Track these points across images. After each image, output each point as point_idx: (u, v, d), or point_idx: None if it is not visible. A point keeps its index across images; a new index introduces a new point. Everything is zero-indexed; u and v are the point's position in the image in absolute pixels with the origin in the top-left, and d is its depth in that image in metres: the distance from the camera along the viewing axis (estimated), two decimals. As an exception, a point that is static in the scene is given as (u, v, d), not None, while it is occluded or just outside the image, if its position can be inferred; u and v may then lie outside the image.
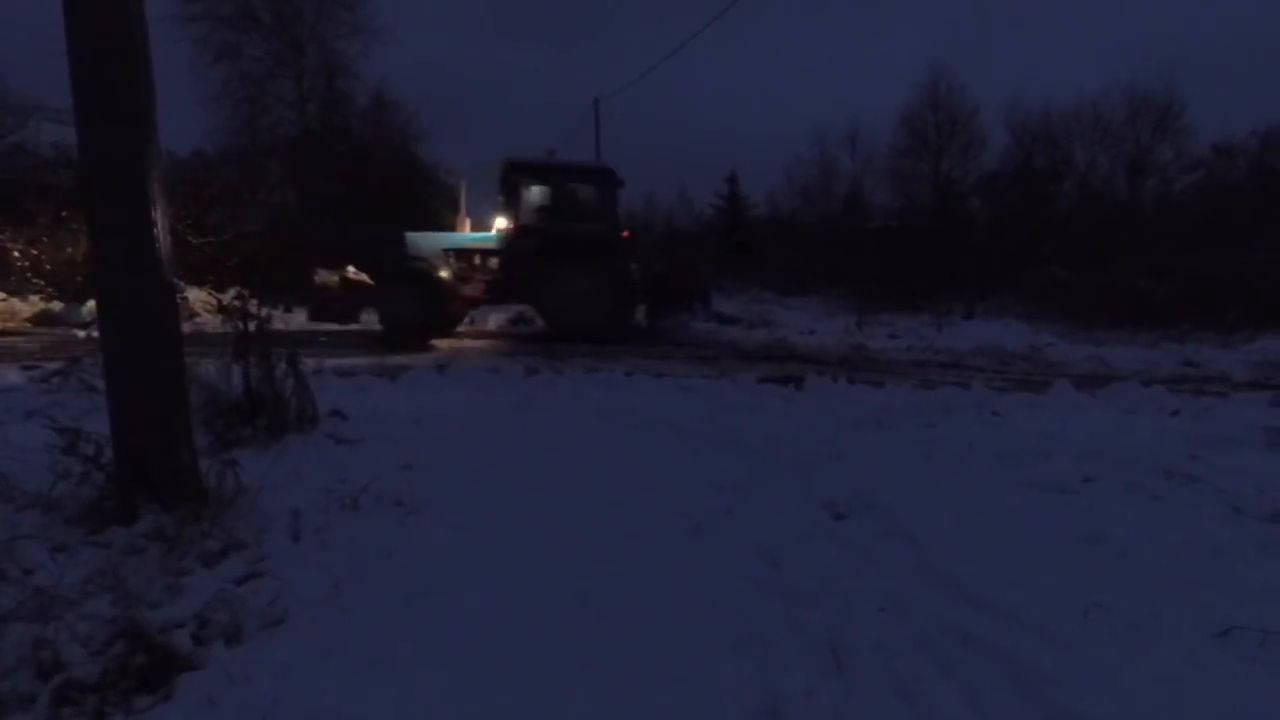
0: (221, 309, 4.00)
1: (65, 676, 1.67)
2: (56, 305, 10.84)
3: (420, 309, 9.30)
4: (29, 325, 10.33)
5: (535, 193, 10.38)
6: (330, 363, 5.95)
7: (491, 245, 10.24)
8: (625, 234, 10.43)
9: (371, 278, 9.64)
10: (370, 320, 9.77)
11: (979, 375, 7.15)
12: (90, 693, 1.66)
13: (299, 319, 10.31)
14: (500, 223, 10.51)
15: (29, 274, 11.23)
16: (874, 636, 2.18)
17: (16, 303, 10.95)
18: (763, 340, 10.25)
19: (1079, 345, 10.66)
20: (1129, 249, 16.55)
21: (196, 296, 10.91)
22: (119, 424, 2.37)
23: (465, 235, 10.58)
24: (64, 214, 10.80)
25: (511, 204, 10.37)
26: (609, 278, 9.71)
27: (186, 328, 3.91)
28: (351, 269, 9.66)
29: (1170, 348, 10.19)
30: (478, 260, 10.05)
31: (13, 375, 5.40)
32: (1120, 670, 1.99)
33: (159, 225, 2.46)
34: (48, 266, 11.17)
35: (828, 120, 52.91)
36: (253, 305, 4.12)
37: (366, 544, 2.58)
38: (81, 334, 8.92)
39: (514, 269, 9.83)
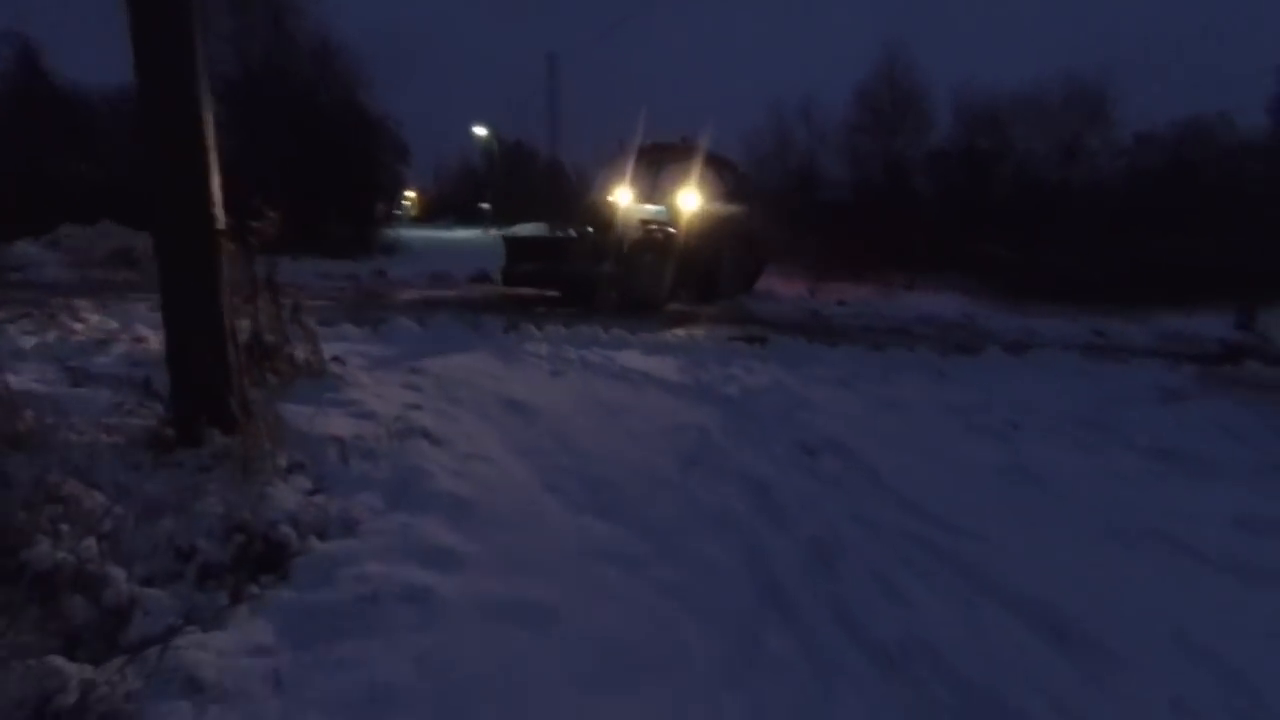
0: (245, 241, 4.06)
1: (202, 559, 2.00)
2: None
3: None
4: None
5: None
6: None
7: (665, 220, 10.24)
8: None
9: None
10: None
11: (923, 341, 7.80)
12: (225, 572, 2.00)
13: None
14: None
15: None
16: (849, 541, 2.68)
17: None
18: (722, 305, 10.74)
19: (1010, 317, 11.56)
20: (1058, 230, 17.67)
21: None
22: (177, 356, 2.62)
23: (655, 209, 10.43)
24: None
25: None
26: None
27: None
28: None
29: (1087, 321, 11.15)
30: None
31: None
32: (1032, 557, 2.56)
33: (211, 169, 2.70)
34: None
35: (784, 92, 53.25)
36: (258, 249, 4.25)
37: (407, 467, 2.91)
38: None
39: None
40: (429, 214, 43.59)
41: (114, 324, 5.31)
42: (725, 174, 11.60)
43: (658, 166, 11.45)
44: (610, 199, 10.71)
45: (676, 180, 10.87)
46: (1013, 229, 17.21)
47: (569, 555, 2.38)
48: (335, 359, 4.66)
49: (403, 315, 6.63)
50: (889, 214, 17.65)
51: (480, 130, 38.45)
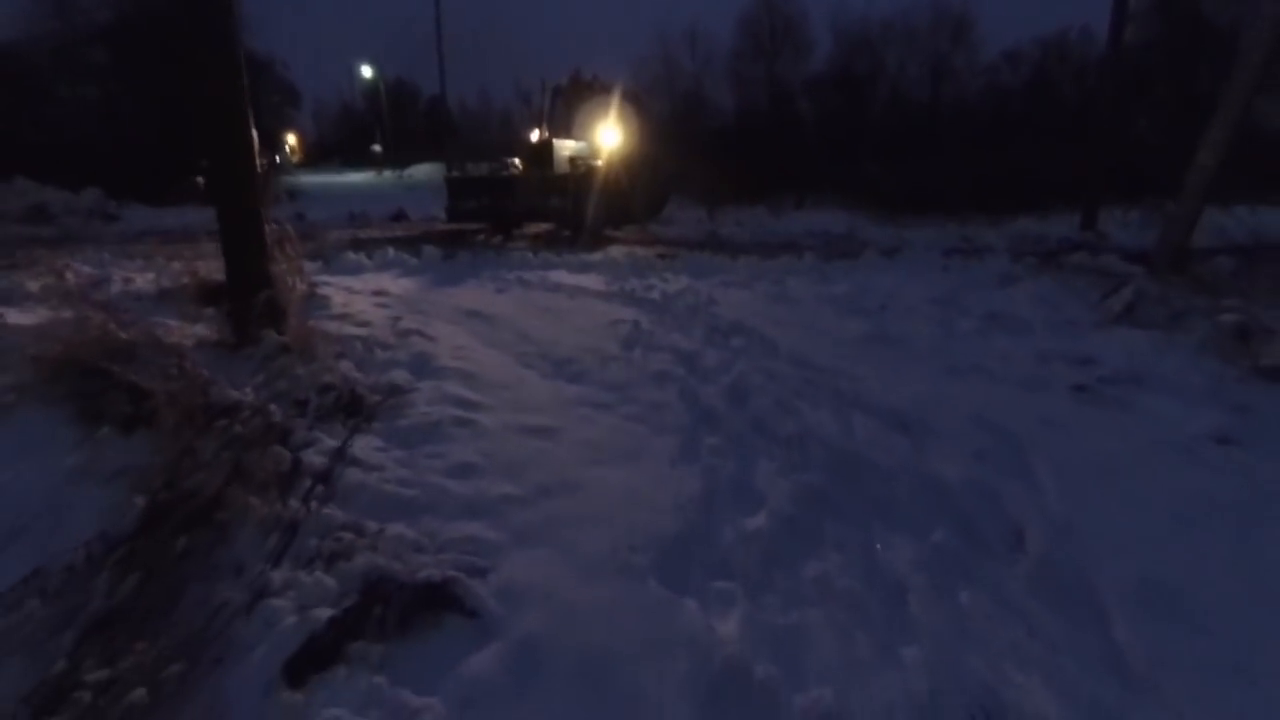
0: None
1: (315, 406, 2.58)
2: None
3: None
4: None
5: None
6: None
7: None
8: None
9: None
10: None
11: (810, 251, 8.80)
12: (330, 415, 2.59)
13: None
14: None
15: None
16: (755, 384, 3.53)
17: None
18: (632, 230, 11.41)
19: (887, 228, 12.89)
20: (929, 147, 19.26)
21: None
22: (235, 274, 3.10)
23: (576, 144, 10.98)
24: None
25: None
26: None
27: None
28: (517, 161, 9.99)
29: (955, 229, 12.63)
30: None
31: None
32: (887, 387, 3.51)
33: (248, 120, 3.16)
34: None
35: (668, 19, 52.64)
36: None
37: (417, 353, 3.50)
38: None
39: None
40: (310, 159, 41.15)
41: (90, 269, 5.43)
42: (633, 109, 12.11)
43: (574, 104, 11.79)
44: (541, 138, 11.07)
45: (593, 117, 11.31)
46: (888, 148, 18.64)
47: (554, 402, 3.10)
48: (312, 284, 5.06)
49: (347, 252, 6.92)
50: (775, 139, 18.67)
51: (366, 70, 36.25)
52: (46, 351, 2.83)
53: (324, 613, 1.52)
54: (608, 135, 10.93)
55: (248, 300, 3.07)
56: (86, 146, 13.13)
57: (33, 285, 4.83)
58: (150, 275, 5.29)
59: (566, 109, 11.92)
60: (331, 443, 2.37)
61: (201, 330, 3.36)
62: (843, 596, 1.91)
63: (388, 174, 30.19)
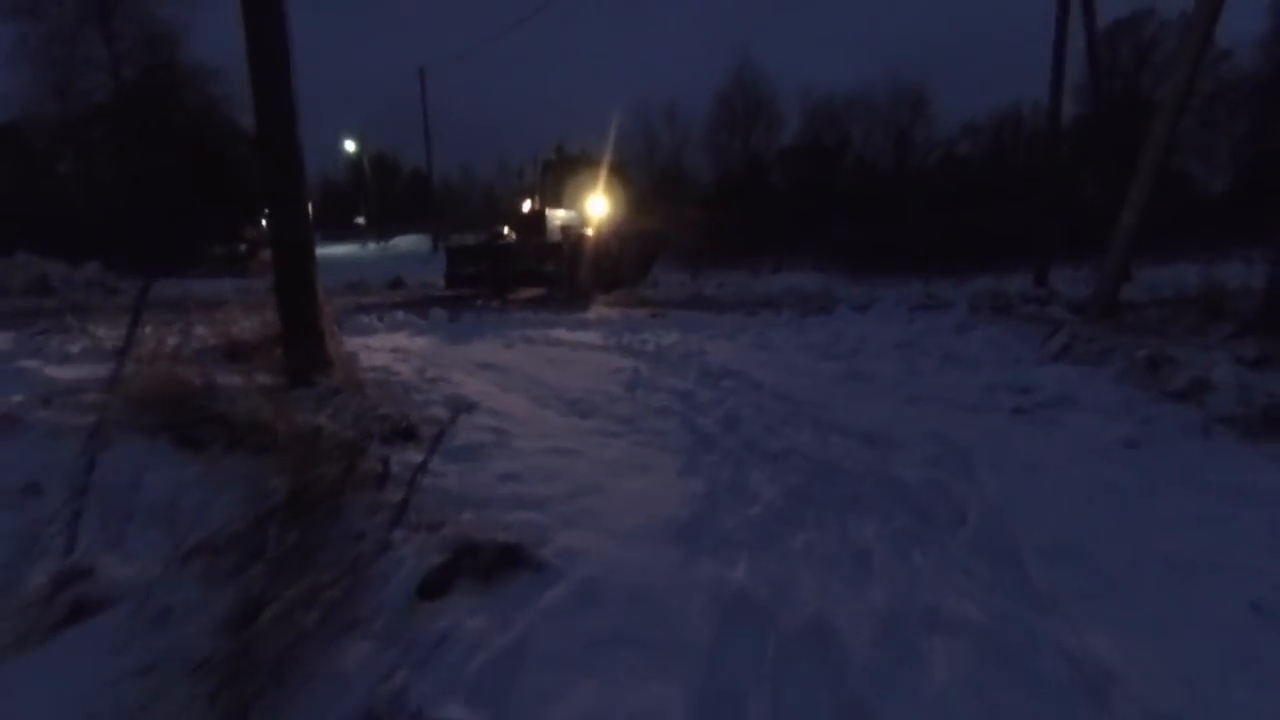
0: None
1: (377, 432, 3.10)
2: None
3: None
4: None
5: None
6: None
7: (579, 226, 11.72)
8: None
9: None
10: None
11: (788, 307, 9.55)
12: (391, 438, 3.10)
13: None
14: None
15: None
16: (745, 415, 4.10)
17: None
18: (621, 294, 12.17)
19: (857, 286, 13.78)
20: (894, 213, 20.53)
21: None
22: (290, 326, 3.65)
23: (567, 213, 11.88)
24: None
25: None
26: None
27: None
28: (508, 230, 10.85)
29: (919, 285, 13.54)
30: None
31: None
32: (858, 414, 4.10)
33: (305, 195, 3.76)
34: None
35: (645, 97, 55.50)
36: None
37: (448, 394, 4.03)
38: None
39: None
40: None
41: (117, 332, 5.92)
42: (619, 179, 13.08)
43: (563, 176, 12.73)
44: (532, 208, 11.92)
45: (581, 188, 12.24)
46: (857, 213, 19.88)
47: (573, 432, 3.65)
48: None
49: (358, 315, 7.51)
50: (751, 206, 19.87)
51: (350, 144, 37.68)
52: (137, 394, 3.36)
53: (434, 560, 2.03)
54: (596, 205, 11.82)
55: (301, 348, 3.62)
56: (86, 221, 13.78)
57: (73, 348, 5.32)
58: (176, 338, 5.81)
59: (556, 180, 12.84)
60: (402, 456, 2.89)
61: (258, 378, 3.88)
62: (822, 557, 2.44)
63: (372, 245, 31.06)
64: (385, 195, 41.08)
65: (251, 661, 1.53)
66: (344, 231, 36.14)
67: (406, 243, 30.99)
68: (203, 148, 16.36)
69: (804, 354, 6.11)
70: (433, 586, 1.93)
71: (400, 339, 6.40)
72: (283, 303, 3.68)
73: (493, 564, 2.12)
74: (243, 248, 15.64)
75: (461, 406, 3.76)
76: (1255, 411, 3.81)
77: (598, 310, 9.23)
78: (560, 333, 7.05)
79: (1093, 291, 7.08)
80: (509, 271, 10.44)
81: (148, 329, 6.34)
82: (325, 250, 27.40)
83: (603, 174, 12.11)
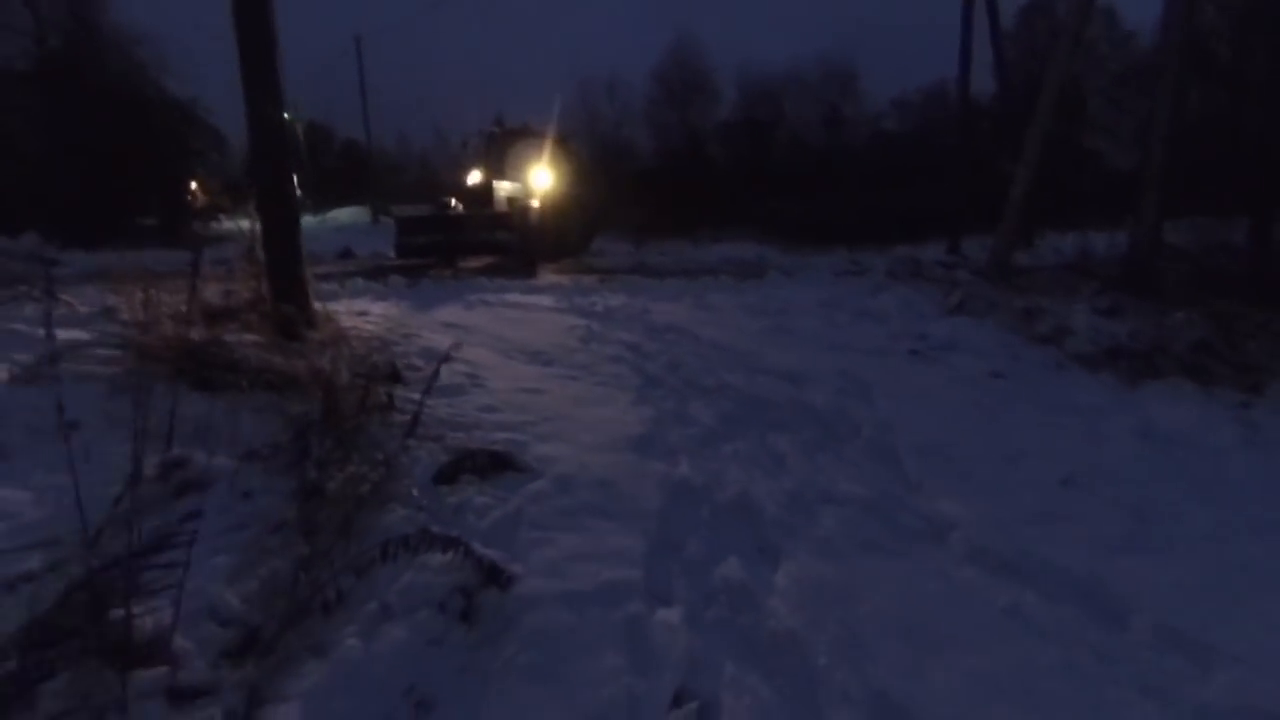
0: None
1: (367, 375, 3.56)
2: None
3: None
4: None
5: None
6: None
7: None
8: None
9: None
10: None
11: (725, 274, 10.23)
12: (381, 380, 3.56)
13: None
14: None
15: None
16: (686, 360, 4.72)
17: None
18: (566, 262, 12.60)
19: (790, 255, 14.61)
20: (825, 186, 21.49)
21: None
22: (279, 286, 4.04)
23: (512, 185, 12.07)
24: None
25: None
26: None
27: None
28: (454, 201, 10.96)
29: (847, 254, 14.47)
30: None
31: None
32: (782, 359, 4.78)
33: (290, 167, 4.13)
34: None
35: (587, 71, 54.99)
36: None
37: (422, 347, 4.50)
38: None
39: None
40: (215, 204, 40.30)
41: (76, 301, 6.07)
42: (563, 151, 13.42)
43: (507, 149, 12.98)
44: (479, 181, 12.15)
45: (526, 160, 12.53)
46: (790, 187, 20.74)
47: (538, 376, 4.20)
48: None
49: (318, 283, 7.76)
50: (691, 179, 20.48)
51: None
52: (145, 348, 3.73)
53: (442, 459, 2.58)
54: (541, 177, 12.17)
55: (289, 306, 4.02)
56: (20, 193, 13.28)
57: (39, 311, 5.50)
58: (142, 306, 6.04)
59: (500, 153, 13.09)
60: (396, 393, 3.38)
61: (247, 336, 4.27)
62: (746, 458, 3.09)
63: (308, 218, 30.28)
64: (316, 165, 39.86)
65: (320, 523, 2.06)
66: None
67: (344, 214, 30.32)
68: (131, 114, 15.82)
69: (738, 312, 6.78)
70: (445, 476, 2.48)
71: (364, 304, 6.73)
72: (272, 265, 4.06)
73: (487, 466, 2.67)
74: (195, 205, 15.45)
75: (445, 353, 4.24)
76: (1100, 349, 4.67)
77: (547, 277, 9.69)
78: (515, 297, 7.50)
79: (988, 256, 7.99)
80: (461, 241, 10.70)
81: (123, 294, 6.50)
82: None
83: (547, 146, 12.45)
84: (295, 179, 4.14)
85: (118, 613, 1.35)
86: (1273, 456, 3.05)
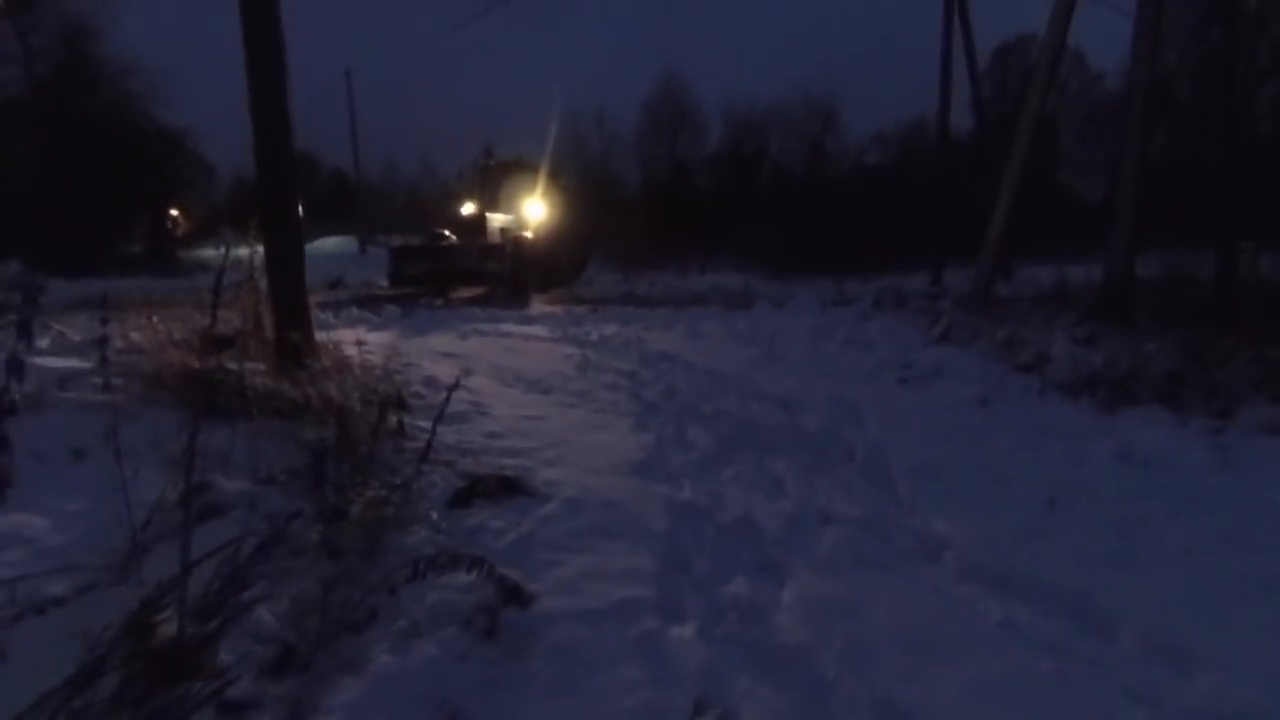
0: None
1: (377, 401, 3.63)
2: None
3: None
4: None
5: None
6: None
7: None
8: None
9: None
10: None
11: (714, 303, 10.44)
12: (387, 407, 3.64)
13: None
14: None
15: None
16: (681, 387, 4.84)
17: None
18: (558, 293, 12.78)
19: (776, 285, 14.88)
20: (809, 218, 21.94)
21: None
22: (282, 315, 4.11)
23: (505, 217, 12.23)
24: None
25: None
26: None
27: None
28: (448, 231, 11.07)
29: (831, 284, 14.75)
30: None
31: None
32: (774, 385, 4.91)
33: (297, 199, 4.23)
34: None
35: (575, 104, 55.84)
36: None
37: (423, 376, 4.58)
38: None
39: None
40: (197, 232, 40.12)
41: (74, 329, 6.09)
42: (554, 183, 13.66)
43: (500, 180, 13.20)
44: (472, 211, 12.33)
45: (518, 191, 12.75)
46: (775, 218, 21.16)
47: (538, 404, 4.29)
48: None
49: (313, 312, 7.83)
50: (678, 211, 20.85)
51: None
52: (148, 376, 3.79)
53: (456, 484, 2.65)
54: (534, 208, 12.40)
55: (292, 334, 4.10)
56: (5, 220, 13.24)
57: (41, 342, 5.50)
58: (140, 333, 6.07)
59: (493, 185, 13.32)
60: (404, 420, 3.46)
61: (247, 364, 4.32)
62: (746, 481, 3.19)
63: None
64: (305, 195, 39.94)
65: (345, 544, 2.13)
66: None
67: (331, 244, 30.36)
68: (121, 144, 15.89)
69: (729, 341, 6.93)
70: (459, 500, 2.55)
71: (360, 333, 6.79)
72: (276, 293, 4.14)
73: (497, 490, 2.75)
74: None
75: (455, 381, 4.32)
76: (1079, 377, 4.85)
77: (539, 307, 9.83)
78: (509, 326, 7.62)
79: (970, 287, 8.24)
80: (453, 271, 10.87)
81: (117, 322, 6.53)
82: (243, 252, 26.59)
83: (539, 179, 12.70)
84: (300, 209, 4.24)
85: (167, 630, 1.42)
86: (1244, 477, 3.20)
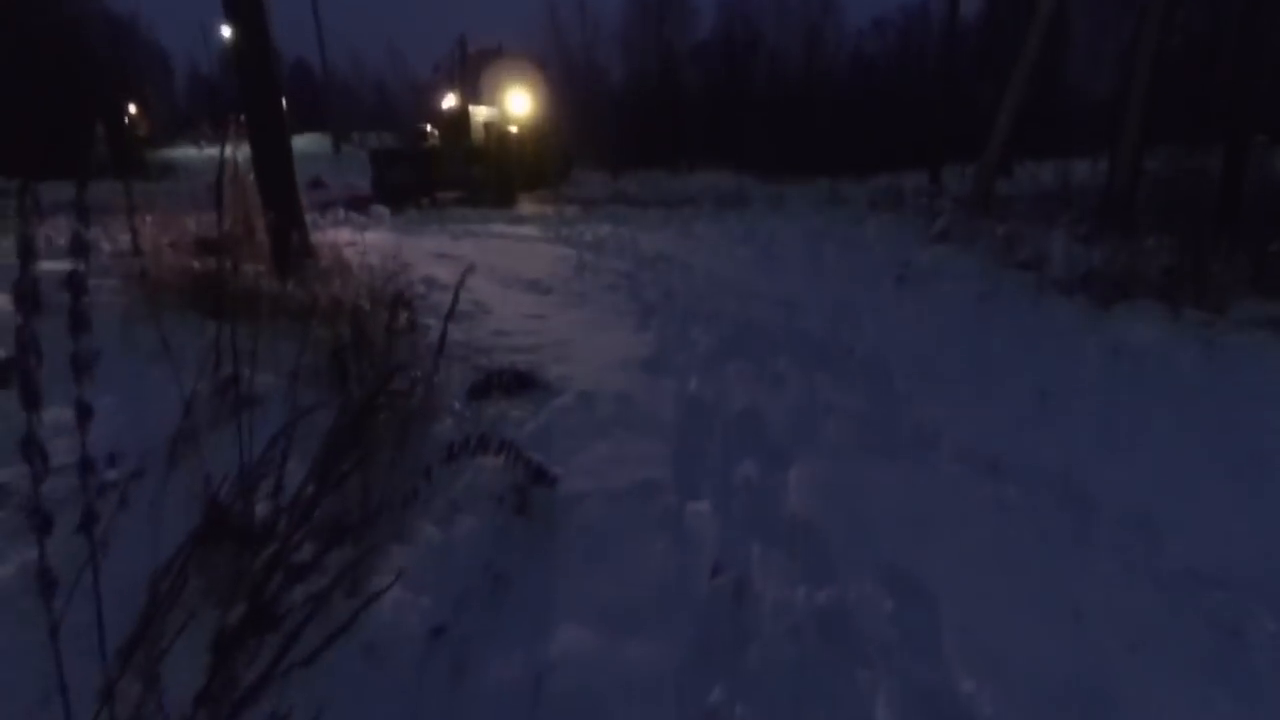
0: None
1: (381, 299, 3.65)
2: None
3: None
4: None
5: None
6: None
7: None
8: None
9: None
10: None
11: (706, 204, 10.28)
12: (392, 305, 3.67)
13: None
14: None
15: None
16: (679, 289, 4.88)
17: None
18: (545, 193, 12.48)
19: (769, 185, 14.61)
20: (805, 115, 21.23)
21: None
22: (278, 218, 4.04)
23: (488, 110, 11.74)
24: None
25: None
26: None
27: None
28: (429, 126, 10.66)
29: (825, 184, 14.50)
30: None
31: None
32: (772, 285, 4.95)
33: (279, 83, 4.07)
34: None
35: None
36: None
37: (423, 275, 4.58)
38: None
39: None
40: (157, 131, 38.13)
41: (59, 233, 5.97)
42: (539, 76, 13.06)
43: (481, 72, 12.61)
44: (457, 106, 11.79)
45: (502, 84, 12.17)
46: (769, 114, 20.46)
47: (539, 304, 4.33)
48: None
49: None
50: (666, 107, 20.08)
51: (226, 31, 34.08)
52: (152, 280, 3.77)
53: (473, 378, 2.74)
54: (519, 102, 11.88)
55: (288, 237, 4.06)
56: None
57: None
58: (126, 237, 5.96)
59: (474, 76, 12.71)
60: (410, 318, 3.49)
61: (245, 267, 4.30)
62: (749, 377, 3.29)
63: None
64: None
65: (378, 432, 2.22)
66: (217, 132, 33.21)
67: (302, 143, 29.18)
68: (66, 34, 14.90)
69: (725, 241, 6.90)
70: (478, 393, 2.65)
71: (350, 234, 6.71)
72: (266, 194, 4.06)
73: (512, 383, 2.84)
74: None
75: (460, 280, 4.34)
76: (1076, 275, 4.92)
77: (528, 207, 9.66)
78: (500, 227, 7.52)
79: (971, 186, 8.15)
80: (438, 179, 10.57)
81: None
82: (210, 153, 25.57)
83: (523, 68, 12.10)
84: (284, 109, 4.09)
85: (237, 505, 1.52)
86: (1227, 368, 3.35)
